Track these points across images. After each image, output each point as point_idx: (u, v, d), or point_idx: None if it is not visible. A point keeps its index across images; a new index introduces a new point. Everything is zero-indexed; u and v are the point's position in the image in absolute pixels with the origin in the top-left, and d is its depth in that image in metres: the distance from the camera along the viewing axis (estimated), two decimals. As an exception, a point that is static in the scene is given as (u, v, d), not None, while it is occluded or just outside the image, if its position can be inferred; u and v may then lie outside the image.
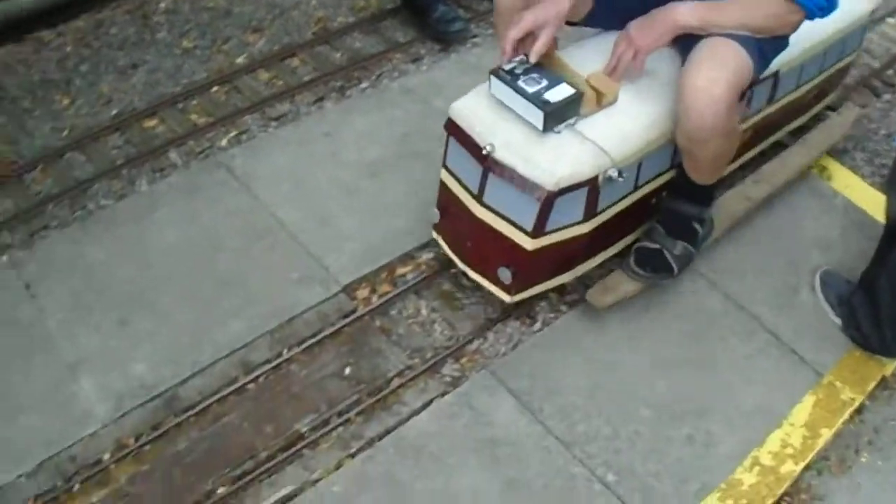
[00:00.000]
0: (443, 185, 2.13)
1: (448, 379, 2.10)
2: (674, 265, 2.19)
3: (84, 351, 2.16)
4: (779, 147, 2.63)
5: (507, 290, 2.07)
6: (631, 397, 2.03)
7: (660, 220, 2.22)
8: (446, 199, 2.13)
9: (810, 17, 1.89)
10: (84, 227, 2.50)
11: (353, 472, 1.90)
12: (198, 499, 1.90)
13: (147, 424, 2.03)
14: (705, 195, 2.19)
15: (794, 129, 2.68)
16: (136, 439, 2.00)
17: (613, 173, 1.91)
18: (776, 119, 2.51)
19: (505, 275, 2.03)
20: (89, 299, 2.28)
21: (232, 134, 2.85)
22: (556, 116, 1.86)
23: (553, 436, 1.94)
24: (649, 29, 1.91)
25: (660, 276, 2.20)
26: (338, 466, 1.93)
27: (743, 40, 1.88)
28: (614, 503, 1.83)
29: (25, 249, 2.45)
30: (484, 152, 1.91)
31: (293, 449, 1.97)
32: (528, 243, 1.96)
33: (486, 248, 2.06)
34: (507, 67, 1.89)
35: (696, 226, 2.21)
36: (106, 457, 1.97)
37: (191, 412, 2.04)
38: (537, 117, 1.86)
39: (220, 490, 1.91)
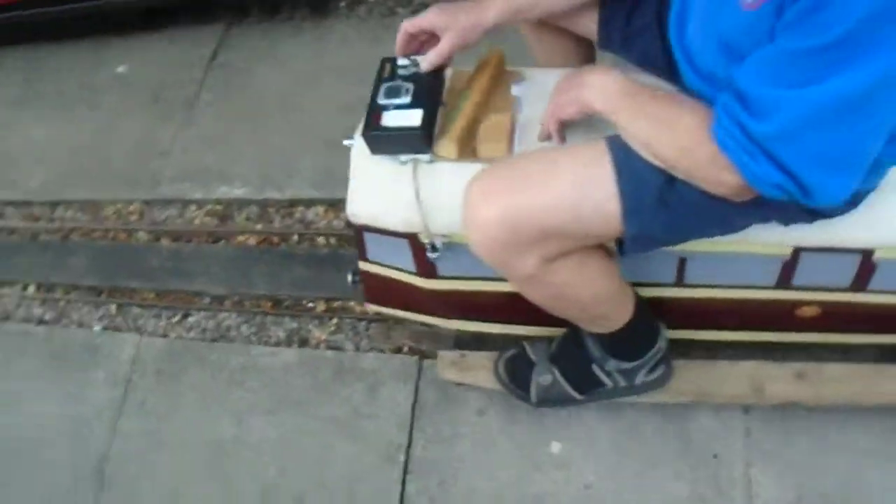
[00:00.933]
0: None
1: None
2: (532, 395, 1.63)
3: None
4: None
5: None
6: None
7: (563, 335, 1.62)
8: None
9: (762, 192, 1.05)
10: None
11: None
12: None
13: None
14: (618, 344, 1.52)
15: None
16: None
17: (427, 242, 1.44)
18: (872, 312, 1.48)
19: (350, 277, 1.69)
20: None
21: None
22: (379, 145, 1.41)
23: None
24: (564, 89, 1.28)
25: (515, 392, 1.66)
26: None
27: (637, 169, 1.18)
28: None
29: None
30: (345, 143, 1.50)
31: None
32: (360, 261, 1.60)
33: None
34: (399, 62, 1.43)
35: (599, 374, 1.58)
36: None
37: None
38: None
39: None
